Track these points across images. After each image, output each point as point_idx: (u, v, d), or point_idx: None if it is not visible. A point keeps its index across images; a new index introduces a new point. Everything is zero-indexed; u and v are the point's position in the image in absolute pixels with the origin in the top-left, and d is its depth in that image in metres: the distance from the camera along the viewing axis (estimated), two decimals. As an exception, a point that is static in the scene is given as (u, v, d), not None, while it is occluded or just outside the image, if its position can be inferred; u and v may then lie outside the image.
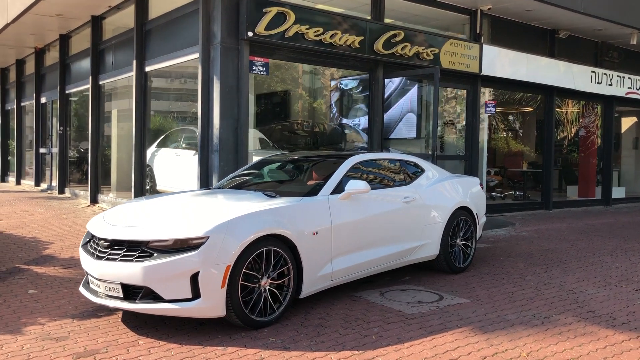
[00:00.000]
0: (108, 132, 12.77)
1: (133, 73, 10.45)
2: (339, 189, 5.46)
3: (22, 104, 18.43)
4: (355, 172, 5.89)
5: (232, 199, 5.41)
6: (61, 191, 14.72)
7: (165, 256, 4.32)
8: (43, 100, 16.47)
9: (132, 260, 4.38)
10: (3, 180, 20.72)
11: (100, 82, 12.38)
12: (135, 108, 10.48)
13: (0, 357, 4.06)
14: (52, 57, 15.79)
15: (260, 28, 8.14)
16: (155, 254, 4.36)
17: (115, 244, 4.58)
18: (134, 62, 10.41)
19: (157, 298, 4.34)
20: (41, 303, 5.42)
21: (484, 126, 12.29)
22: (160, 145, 11.18)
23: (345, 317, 4.94)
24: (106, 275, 4.51)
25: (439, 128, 11.06)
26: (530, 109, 17.11)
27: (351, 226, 5.44)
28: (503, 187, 15.26)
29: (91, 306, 5.22)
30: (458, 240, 6.73)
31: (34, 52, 16.61)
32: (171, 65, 9.61)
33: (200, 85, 8.32)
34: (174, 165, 10.20)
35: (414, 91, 10.18)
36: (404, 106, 10.07)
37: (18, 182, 18.88)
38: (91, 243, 4.88)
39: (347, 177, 5.62)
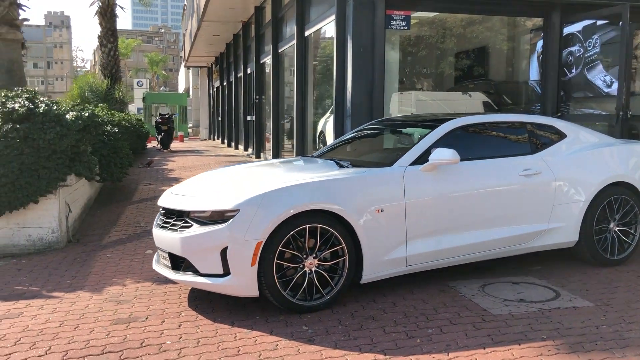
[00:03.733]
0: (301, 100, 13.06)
1: (294, 40, 10.44)
2: (423, 159, 4.61)
3: (238, 75, 20.08)
4: (455, 139, 4.91)
5: (295, 169, 4.95)
6: (257, 155, 15.72)
7: (200, 228, 4.12)
8: (248, 70, 17.68)
9: (176, 230, 4.28)
10: (228, 145, 23.06)
11: (279, 50, 12.70)
12: (297, 75, 10.49)
13: (59, 313, 4.33)
14: (252, 29, 16.77)
15: (399, -25, 7.32)
16: (194, 225, 4.18)
17: (169, 213, 4.53)
18: (295, 27, 10.38)
19: (196, 271, 4.18)
20: (145, 264, 5.72)
21: None
22: (332, 113, 11.08)
23: (407, 312, 4.19)
24: (161, 243, 4.50)
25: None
26: None
27: (436, 203, 4.56)
28: None
29: (175, 271, 5.32)
30: (611, 225, 5.26)
31: (242, 26, 17.86)
32: (321, 29, 9.32)
33: (335, 46, 7.88)
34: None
35: (607, 35, 8.24)
36: (591, 57, 8.24)
37: (236, 147, 20.79)
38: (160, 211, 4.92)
39: (440, 145, 4.71)
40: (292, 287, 4.11)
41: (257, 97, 15.37)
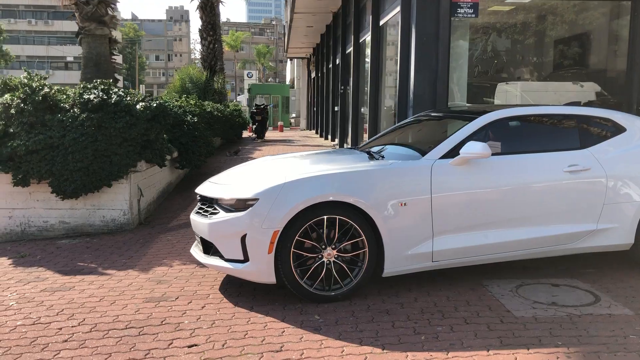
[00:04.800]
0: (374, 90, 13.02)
1: (370, 29, 10.37)
2: (455, 152, 4.46)
3: (329, 66, 20.26)
4: (495, 133, 4.70)
5: (326, 160, 4.95)
6: (341, 145, 15.82)
7: (225, 215, 4.29)
8: (337, 61, 17.78)
9: (206, 216, 4.49)
10: (320, 135, 23.39)
11: (360, 40, 12.67)
12: (371, 64, 10.43)
13: (104, 289, 4.70)
14: (340, 19, 16.81)
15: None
16: (220, 212, 4.36)
17: (203, 200, 4.74)
18: (370, 17, 10.30)
19: (221, 256, 4.36)
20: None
21: None
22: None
23: (425, 308, 4.10)
24: (195, 228, 4.73)
25: None
26: None
27: (467, 199, 4.41)
28: None
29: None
30: (675, 229, 4.80)
31: (332, 17, 17.98)
32: (392, 17, 9.18)
33: (400, 35, 7.75)
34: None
35: None
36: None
37: (326, 138, 21.03)
38: None
39: (476, 138, 4.53)
40: (310, 277, 4.17)
41: (342, 87, 15.45)
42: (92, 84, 7.17)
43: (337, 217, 4.14)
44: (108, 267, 5.40)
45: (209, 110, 13.99)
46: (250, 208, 4.13)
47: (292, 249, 4.09)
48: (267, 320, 3.95)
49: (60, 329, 3.91)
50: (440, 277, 4.72)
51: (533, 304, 4.15)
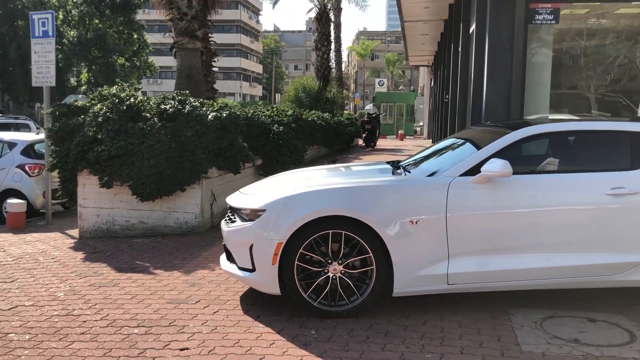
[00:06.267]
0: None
1: (461, 38, 10.01)
2: (479, 169, 4.18)
3: (443, 74, 19.79)
4: (528, 150, 4.35)
5: (346, 174, 4.86)
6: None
7: (238, 224, 4.41)
8: (444, 70, 17.33)
9: (228, 224, 4.64)
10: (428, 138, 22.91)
11: (458, 49, 12.23)
12: (460, 73, 10.04)
13: (141, 287, 5.04)
14: (448, 27, 16.38)
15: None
16: (237, 221, 4.49)
17: (230, 209, 4.90)
18: (462, 24, 9.94)
19: (237, 264, 4.48)
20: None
21: None
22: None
23: (427, 332, 3.90)
24: (223, 235, 4.90)
25: None
26: None
27: (488, 220, 4.11)
28: None
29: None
30: None
31: (444, 25, 17.56)
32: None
33: (474, 43, 7.40)
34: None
35: None
36: None
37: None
38: None
39: (505, 156, 4.20)
40: (315, 291, 4.14)
41: (446, 97, 15.04)
42: (171, 96, 7.69)
43: (343, 232, 4.07)
44: (159, 267, 5.75)
45: (310, 119, 14.30)
46: (258, 219, 4.21)
47: (296, 262, 4.10)
48: (264, 330, 3.99)
49: (85, 322, 4.26)
50: (464, 300, 4.44)
51: (551, 338, 3.77)
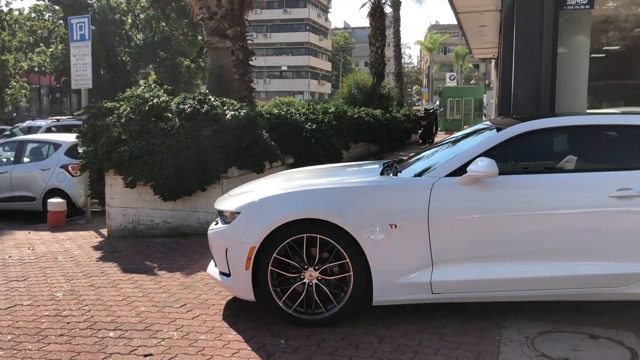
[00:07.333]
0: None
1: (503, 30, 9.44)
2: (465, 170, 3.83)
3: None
4: (526, 147, 3.94)
5: (333, 174, 4.59)
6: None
7: (218, 226, 4.29)
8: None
9: (211, 227, 4.52)
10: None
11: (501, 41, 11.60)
12: (502, 64, 9.48)
13: (137, 288, 5.02)
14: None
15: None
16: (219, 223, 4.37)
17: (217, 211, 4.78)
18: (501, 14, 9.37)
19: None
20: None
21: None
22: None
23: (402, 345, 3.61)
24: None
25: None
26: None
27: (476, 224, 3.77)
28: None
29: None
30: None
31: (499, 15, 16.77)
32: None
33: (501, 34, 6.92)
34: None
35: None
36: None
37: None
38: None
39: (497, 154, 3.84)
40: (291, 298, 3.95)
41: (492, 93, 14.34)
42: (191, 95, 7.69)
43: (318, 236, 3.85)
44: (164, 267, 5.74)
45: (355, 116, 14.05)
46: (233, 222, 4.07)
47: (270, 267, 3.92)
48: (235, 338, 3.85)
49: (69, 323, 4.28)
50: (455, 310, 4.11)
51: (538, 356, 3.40)
